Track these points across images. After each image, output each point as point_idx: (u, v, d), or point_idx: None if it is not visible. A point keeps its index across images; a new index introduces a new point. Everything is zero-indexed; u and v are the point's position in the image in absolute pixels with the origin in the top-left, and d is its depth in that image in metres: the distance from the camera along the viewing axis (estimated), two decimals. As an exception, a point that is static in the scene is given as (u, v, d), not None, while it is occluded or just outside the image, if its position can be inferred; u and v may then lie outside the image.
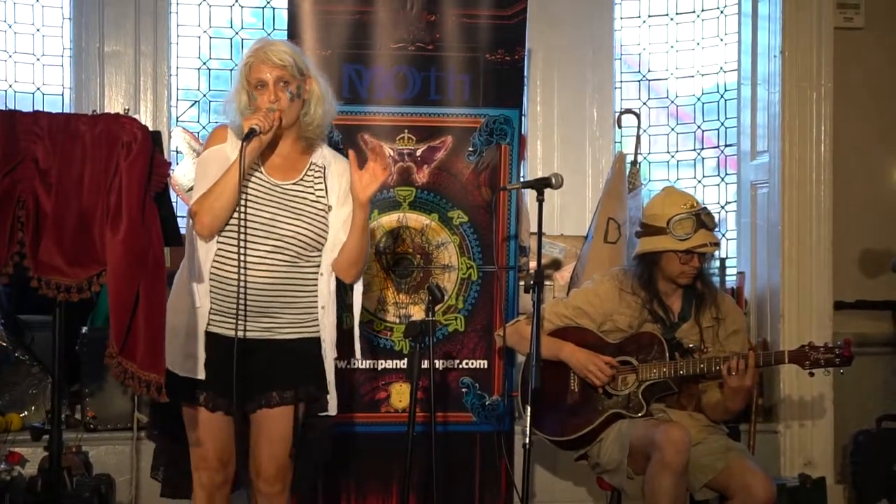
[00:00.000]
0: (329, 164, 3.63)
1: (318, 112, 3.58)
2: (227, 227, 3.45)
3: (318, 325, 3.58)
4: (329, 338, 3.60)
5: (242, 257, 3.39)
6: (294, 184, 3.55)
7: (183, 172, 5.20)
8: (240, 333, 3.45)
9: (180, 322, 3.44)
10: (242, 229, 3.40)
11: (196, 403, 3.45)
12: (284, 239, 3.48)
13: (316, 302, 3.57)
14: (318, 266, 3.57)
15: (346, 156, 3.61)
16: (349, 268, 3.59)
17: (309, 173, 3.59)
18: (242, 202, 3.44)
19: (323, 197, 3.57)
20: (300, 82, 3.53)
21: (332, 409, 3.63)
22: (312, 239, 3.53)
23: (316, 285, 3.56)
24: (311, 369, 3.58)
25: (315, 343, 3.59)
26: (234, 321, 3.42)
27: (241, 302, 3.39)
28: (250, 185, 3.49)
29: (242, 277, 3.39)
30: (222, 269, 3.45)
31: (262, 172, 3.53)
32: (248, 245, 3.45)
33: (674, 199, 4.22)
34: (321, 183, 3.59)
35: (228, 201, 3.39)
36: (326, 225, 3.56)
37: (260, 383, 3.50)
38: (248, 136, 3.36)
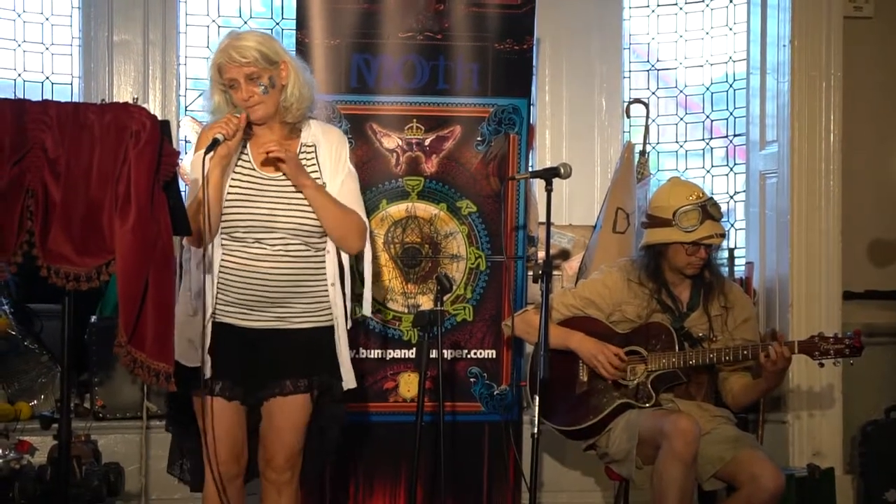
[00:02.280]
0: (319, 141, 3.63)
1: (294, 94, 3.55)
2: (232, 224, 3.46)
3: (330, 314, 3.59)
4: (340, 315, 3.60)
5: (209, 259, 3.40)
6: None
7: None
8: (252, 323, 3.52)
9: (187, 315, 3.45)
10: (206, 227, 3.36)
11: (209, 394, 3.43)
12: (289, 232, 3.49)
13: (327, 292, 3.57)
14: (325, 244, 3.57)
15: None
16: (340, 242, 3.59)
17: (300, 159, 3.58)
18: (242, 200, 3.47)
19: (318, 178, 3.57)
20: (272, 72, 3.50)
21: (351, 383, 3.64)
22: (315, 226, 3.53)
23: (325, 271, 3.57)
24: (325, 358, 3.59)
25: (328, 332, 3.59)
26: (244, 312, 3.49)
27: (205, 290, 3.40)
28: (246, 183, 3.50)
29: (208, 272, 3.40)
30: (229, 262, 3.46)
31: (254, 169, 3.53)
32: (255, 242, 3.47)
33: (680, 189, 4.21)
34: (313, 164, 3.60)
35: (203, 217, 3.35)
36: None
37: (273, 372, 3.51)
38: (211, 147, 3.34)
